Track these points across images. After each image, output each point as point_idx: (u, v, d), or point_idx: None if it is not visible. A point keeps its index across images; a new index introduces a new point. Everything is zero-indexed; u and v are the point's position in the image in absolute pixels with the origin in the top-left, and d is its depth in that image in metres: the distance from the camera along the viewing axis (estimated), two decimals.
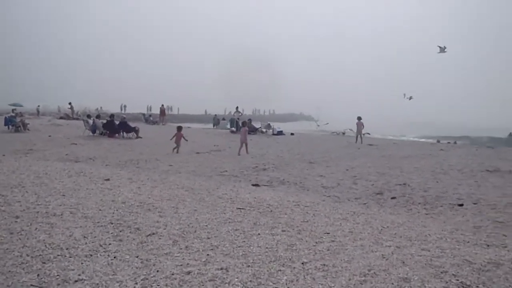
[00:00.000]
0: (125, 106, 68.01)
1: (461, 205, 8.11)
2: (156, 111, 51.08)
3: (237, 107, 35.78)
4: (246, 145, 17.31)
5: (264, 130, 30.93)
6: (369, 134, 30.88)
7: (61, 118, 43.70)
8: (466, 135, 41.23)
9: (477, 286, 3.86)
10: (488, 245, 5.28)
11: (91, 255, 4.45)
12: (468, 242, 5.41)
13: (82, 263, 4.21)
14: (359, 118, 24.54)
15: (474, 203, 8.21)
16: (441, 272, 4.18)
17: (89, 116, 26.35)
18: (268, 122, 35.50)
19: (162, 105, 47.59)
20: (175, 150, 17.03)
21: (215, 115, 48.79)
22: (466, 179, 10.99)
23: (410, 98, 37.06)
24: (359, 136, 24.31)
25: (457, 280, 3.99)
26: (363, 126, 24.66)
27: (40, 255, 4.39)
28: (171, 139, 17.82)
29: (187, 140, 18.15)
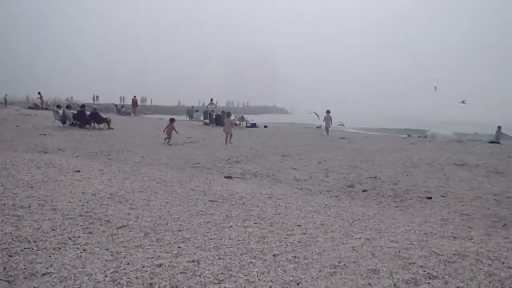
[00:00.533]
0: (97, 97, 66.71)
1: (430, 198, 8.29)
2: (129, 102, 50.38)
3: (211, 99, 35.59)
4: (231, 136, 17.98)
5: (237, 122, 30.90)
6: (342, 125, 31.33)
7: (29, 108, 42.71)
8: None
9: (443, 277, 3.96)
10: (454, 237, 5.41)
11: (59, 248, 4.37)
12: (436, 234, 5.54)
13: (50, 256, 4.14)
14: (328, 112, 25.58)
15: (442, 196, 8.40)
16: (409, 264, 4.27)
17: (59, 106, 25.84)
18: (242, 115, 35.47)
19: (135, 96, 47.08)
20: (167, 140, 17.31)
21: (192, 106, 48.36)
22: (435, 172, 11.23)
23: (463, 102, 36.86)
24: (328, 129, 25.45)
25: (424, 271, 4.08)
26: (331, 120, 25.86)
27: (6, 248, 4.29)
28: (163, 131, 18.01)
29: (178, 133, 18.18)
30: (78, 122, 22.47)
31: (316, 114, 29.53)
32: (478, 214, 7.13)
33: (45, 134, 17.93)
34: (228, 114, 19.92)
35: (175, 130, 17.93)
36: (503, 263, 4.43)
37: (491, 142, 24.75)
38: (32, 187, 7.03)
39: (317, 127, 33.46)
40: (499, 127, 26.28)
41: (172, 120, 18.43)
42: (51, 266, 3.90)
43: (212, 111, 32.38)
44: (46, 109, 39.51)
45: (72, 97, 65.14)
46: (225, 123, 18.93)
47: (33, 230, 4.87)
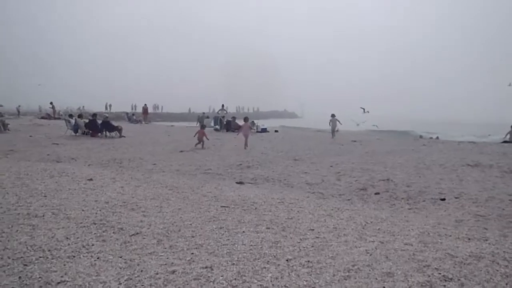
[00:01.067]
0: (110, 105, 67.20)
1: (443, 199, 8.22)
2: (140, 110, 50.77)
3: (222, 105, 35.62)
4: (246, 140, 18.37)
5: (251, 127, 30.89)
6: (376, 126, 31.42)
7: (42, 118, 43.17)
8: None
9: (459, 279, 3.91)
10: (469, 239, 5.35)
11: (73, 256, 4.40)
12: (450, 236, 5.48)
13: (64, 265, 4.17)
14: (333, 116, 26.08)
15: (456, 198, 8.32)
16: (424, 266, 4.23)
17: (71, 116, 26.08)
18: (252, 120, 35.49)
19: (145, 104, 47.36)
20: (198, 145, 18.15)
21: (203, 113, 48.32)
22: (448, 173, 11.13)
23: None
24: (334, 132, 25.77)
25: (439, 273, 4.04)
26: (338, 122, 26.07)
27: (21, 257, 4.33)
28: (194, 136, 18.87)
29: (208, 139, 18.90)
30: (90, 131, 22.65)
31: (363, 109, 29.61)
32: (493, 214, 7.04)
33: (57, 144, 18.10)
34: (246, 119, 20.29)
35: (205, 136, 18.71)
36: None
37: (504, 141, 24.47)
38: (45, 196, 7.10)
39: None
40: None
41: (203, 127, 19.60)
42: (65, 274, 3.93)
43: (223, 117, 32.40)
44: (59, 118, 39.88)
45: (83, 107, 65.68)
46: (244, 127, 19.45)
47: (48, 239, 4.91)
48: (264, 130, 30.20)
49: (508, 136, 25.60)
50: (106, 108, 65.35)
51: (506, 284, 3.85)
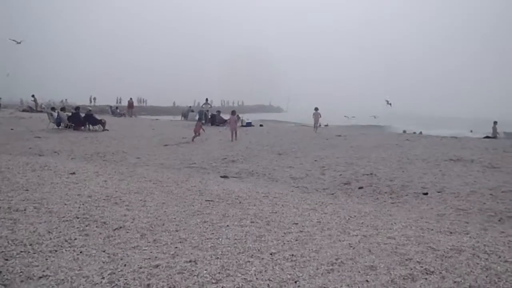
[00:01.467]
0: (94, 98, 66.51)
1: (426, 193, 8.31)
2: (126, 103, 50.38)
3: (206, 99, 35.48)
4: (236, 132, 19.45)
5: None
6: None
7: (24, 110, 42.54)
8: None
9: (440, 272, 3.97)
10: (451, 232, 5.42)
11: (56, 251, 4.36)
12: (432, 229, 5.55)
13: (46, 259, 4.12)
14: (316, 109, 27.06)
15: (438, 192, 8.42)
16: (406, 260, 4.28)
17: (53, 109, 25.72)
18: (237, 114, 35.41)
19: (131, 98, 46.94)
20: (196, 137, 18.80)
21: (189, 107, 48.13)
22: (431, 168, 11.26)
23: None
24: (316, 124, 26.91)
25: (421, 266, 4.09)
26: (320, 116, 27.16)
27: (2, 251, 4.27)
28: (193, 130, 19.66)
29: (204, 131, 20.15)
30: (73, 124, 22.38)
31: (387, 101, 29.79)
32: (474, 209, 7.15)
33: (39, 137, 17.85)
34: (233, 112, 20.91)
35: (202, 129, 19.91)
36: (499, 257, 4.45)
37: (486, 137, 24.82)
38: (27, 190, 7.00)
39: (325, 125, 33.25)
40: (495, 123, 26.26)
41: (200, 119, 21.51)
42: (47, 269, 3.89)
43: (207, 111, 32.29)
44: (41, 111, 39.33)
45: (66, 99, 64.81)
46: (231, 120, 20.30)
47: (29, 233, 4.85)
48: (249, 125, 30.14)
49: (491, 132, 26.01)
50: (90, 101, 64.69)
51: (486, 276, 3.91)
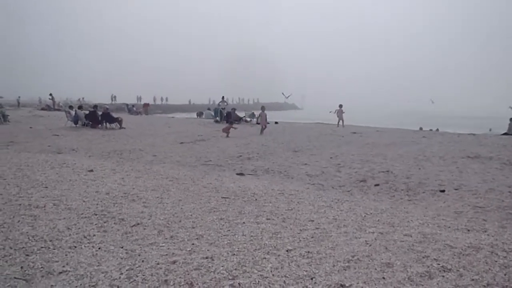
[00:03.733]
0: (115, 97, 67.36)
1: (443, 191, 8.24)
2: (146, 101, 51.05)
3: (223, 97, 35.53)
4: (265, 127, 21.20)
5: (248, 119, 30.90)
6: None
7: (42, 109, 43.20)
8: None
9: (458, 270, 3.94)
10: (468, 230, 5.38)
11: (75, 247, 4.43)
12: (449, 227, 5.51)
13: (66, 255, 4.20)
14: (340, 106, 28.55)
15: (456, 189, 8.34)
16: (423, 257, 4.26)
17: (71, 107, 26.06)
18: (252, 111, 35.44)
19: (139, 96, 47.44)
20: (228, 135, 19.53)
21: (208, 109, 48.02)
22: (448, 165, 11.15)
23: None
24: (340, 121, 28.36)
25: (438, 264, 4.07)
26: (344, 113, 28.52)
27: (23, 247, 4.36)
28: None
29: (236, 128, 21.09)
30: (90, 123, 22.65)
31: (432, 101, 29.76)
32: (492, 206, 7.06)
33: (58, 135, 18.10)
34: (263, 108, 22.32)
35: (233, 127, 20.65)
36: None
37: (504, 134, 24.47)
38: (46, 187, 7.12)
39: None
40: (511, 119, 25.84)
41: (228, 116, 22.57)
42: (67, 264, 3.96)
43: (223, 108, 32.37)
44: (58, 110, 39.90)
45: (83, 98, 65.70)
46: (262, 116, 21.78)
47: (49, 230, 4.94)
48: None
49: (508, 129, 25.61)
50: (111, 99, 65.55)
51: (505, 274, 3.87)
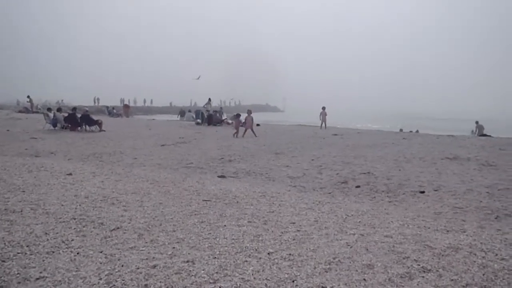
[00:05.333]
0: (98, 99, 66.46)
1: (423, 192, 8.32)
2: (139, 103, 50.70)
3: (209, 99, 35.39)
4: (253, 130, 21.21)
5: (230, 121, 30.82)
6: None
7: (20, 111, 42.42)
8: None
9: (437, 270, 3.98)
10: (447, 231, 5.44)
11: (53, 252, 4.35)
12: (429, 228, 5.56)
13: (43, 260, 4.12)
14: (323, 108, 28.84)
15: (435, 190, 8.44)
16: (403, 258, 4.29)
17: (49, 110, 25.63)
18: (234, 113, 35.39)
19: (128, 100, 47.12)
20: (239, 134, 20.59)
21: (189, 111, 47.52)
22: (428, 166, 11.28)
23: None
24: (323, 123, 28.78)
25: (419, 265, 4.10)
26: (327, 115, 28.90)
27: None
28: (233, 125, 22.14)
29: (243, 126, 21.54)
30: (70, 125, 22.33)
31: None
32: (471, 207, 7.16)
33: (36, 138, 17.80)
34: (249, 112, 22.15)
35: (241, 125, 21.32)
36: (496, 254, 4.47)
37: (483, 135, 24.93)
38: (24, 191, 6.99)
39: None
40: (477, 122, 26.76)
41: (238, 116, 22.35)
42: (44, 270, 3.88)
43: (208, 110, 32.22)
44: (37, 112, 39.23)
45: (62, 100, 64.70)
46: (247, 119, 21.51)
47: (26, 235, 4.84)
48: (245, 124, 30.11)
49: (476, 131, 26.43)
50: (94, 102, 64.63)
51: (483, 274, 3.92)
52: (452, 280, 3.79)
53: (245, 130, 21.03)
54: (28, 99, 45.16)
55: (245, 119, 21.58)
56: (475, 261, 4.24)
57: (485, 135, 25.00)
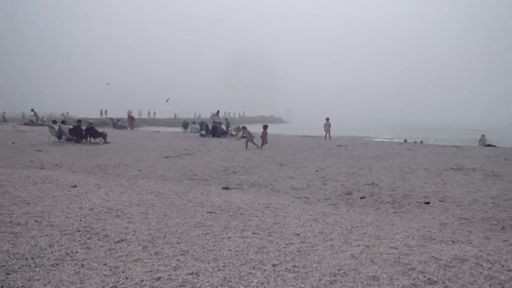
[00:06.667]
0: (105, 111, 66.76)
1: (428, 203, 8.29)
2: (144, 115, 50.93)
3: (218, 111, 35.50)
4: (266, 142, 21.63)
5: (234, 133, 30.87)
6: None
7: (25, 124, 42.71)
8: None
9: (443, 282, 3.95)
10: (453, 242, 5.40)
11: (57, 264, 4.35)
12: (435, 239, 5.53)
13: (48, 273, 4.11)
14: (327, 119, 28.88)
15: (440, 201, 8.40)
16: (409, 269, 4.26)
17: (54, 122, 25.78)
18: (238, 125, 35.46)
19: (130, 111, 47.35)
20: (264, 145, 21.16)
21: (193, 122, 47.37)
22: (432, 177, 11.24)
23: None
24: (327, 134, 28.83)
25: (424, 276, 4.07)
26: (331, 126, 28.97)
27: (3, 266, 4.26)
28: (260, 137, 21.89)
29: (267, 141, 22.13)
30: (74, 137, 22.41)
31: None
32: (477, 217, 7.12)
33: (41, 150, 17.86)
34: (265, 127, 22.58)
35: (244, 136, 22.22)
36: (502, 266, 4.43)
37: (488, 145, 24.87)
38: (28, 204, 7.01)
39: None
40: (483, 136, 26.77)
41: (265, 127, 22.42)
42: (49, 283, 3.88)
43: (214, 121, 32.27)
44: (42, 125, 39.49)
45: (67, 112, 65.05)
46: (263, 133, 22.01)
47: (30, 247, 4.84)
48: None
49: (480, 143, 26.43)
50: (101, 114, 64.97)
51: (490, 286, 3.89)
52: None
53: (262, 141, 21.60)
54: (32, 113, 45.49)
55: (262, 133, 22.20)
56: (481, 273, 4.21)
57: (490, 145, 24.94)
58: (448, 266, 4.37)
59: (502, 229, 6.45)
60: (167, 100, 54.09)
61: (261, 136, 22.13)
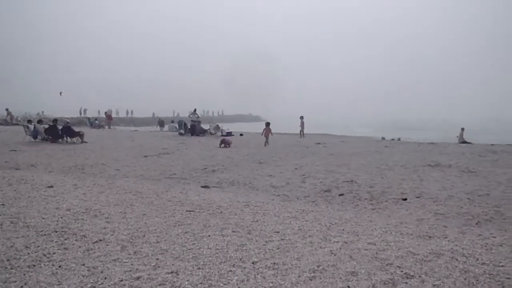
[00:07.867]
0: (85, 110, 65.59)
1: (405, 199, 8.42)
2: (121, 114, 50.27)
3: (195, 109, 35.24)
4: (267, 139, 22.42)
5: (213, 131, 30.81)
6: None
7: None
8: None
9: (420, 276, 4.02)
10: (430, 237, 5.50)
11: (34, 266, 4.28)
12: (412, 234, 5.62)
13: (24, 274, 4.04)
14: (301, 117, 30.71)
15: (417, 197, 8.54)
16: (387, 265, 4.32)
17: (30, 121, 25.33)
18: (217, 124, 35.39)
19: (110, 109, 46.77)
20: (266, 143, 21.85)
21: (172, 121, 47.11)
22: (410, 174, 11.42)
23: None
24: (302, 131, 30.68)
25: (402, 271, 4.14)
26: (304, 124, 30.77)
27: None
28: (262, 135, 23.12)
29: (272, 134, 23.34)
30: (50, 137, 22.04)
31: None
32: (452, 213, 7.27)
33: (15, 150, 17.51)
34: (267, 124, 23.42)
35: (271, 133, 22.82)
36: (477, 259, 4.53)
37: (463, 142, 25.33)
38: (3, 205, 6.87)
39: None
40: (462, 129, 27.06)
41: (267, 124, 23.15)
42: (25, 284, 3.82)
43: (193, 120, 32.08)
44: (16, 124, 38.72)
45: (43, 112, 63.85)
46: (266, 130, 23.02)
47: (6, 249, 4.75)
48: (229, 134, 30.10)
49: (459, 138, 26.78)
50: (80, 113, 63.87)
51: (465, 279, 3.97)
52: (434, 285, 3.82)
53: (267, 139, 22.37)
54: (6, 112, 44.61)
55: (263, 130, 23.27)
56: (456, 266, 4.29)
57: (465, 142, 25.41)
58: (425, 261, 4.45)
59: (477, 224, 6.59)
60: (60, 94, 53.53)
61: (263, 134, 22.84)
